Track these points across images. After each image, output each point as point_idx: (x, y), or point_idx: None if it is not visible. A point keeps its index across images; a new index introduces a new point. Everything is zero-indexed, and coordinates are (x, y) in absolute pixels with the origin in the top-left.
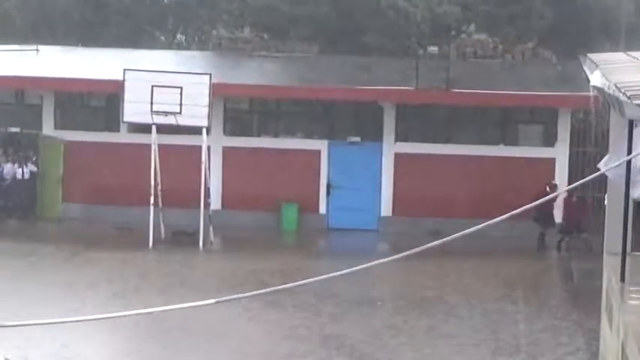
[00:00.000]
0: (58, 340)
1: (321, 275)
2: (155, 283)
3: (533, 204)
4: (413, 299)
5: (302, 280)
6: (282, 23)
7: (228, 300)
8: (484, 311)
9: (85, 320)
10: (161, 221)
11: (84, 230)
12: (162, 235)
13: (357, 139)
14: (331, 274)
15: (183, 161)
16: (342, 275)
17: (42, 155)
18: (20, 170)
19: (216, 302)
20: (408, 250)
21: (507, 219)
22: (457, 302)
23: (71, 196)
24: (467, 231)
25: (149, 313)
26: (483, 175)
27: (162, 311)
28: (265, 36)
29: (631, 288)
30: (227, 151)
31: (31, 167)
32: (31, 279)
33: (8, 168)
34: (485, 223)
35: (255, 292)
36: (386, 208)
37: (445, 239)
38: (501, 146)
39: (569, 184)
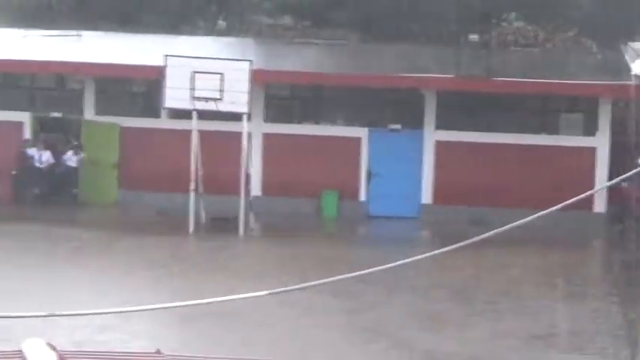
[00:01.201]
0: (101, 325)
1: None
2: (195, 268)
3: (586, 194)
4: (453, 287)
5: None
6: (322, 10)
7: (281, 292)
8: (524, 300)
9: (130, 311)
10: (201, 207)
11: (124, 216)
12: (203, 221)
13: (398, 126)
14: (392, 264)
15: (224, 147)
16: (376, 264)
17: (92, 140)
18: (75, 158)
19: (269, 294)
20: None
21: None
22: (497, 291)
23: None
24: (518, 223)
25: (197, 305)
26: (524, 164)
27: (201, 298)
28: (305, 23)
29: None
30: (267, 138)
31: (80, 155)
32: (73, 264)
33: (47, 155)
34: (538, 214)
35: (307, 284)
36: (426, 196)
37: (497, 230)
38: (542, 135)
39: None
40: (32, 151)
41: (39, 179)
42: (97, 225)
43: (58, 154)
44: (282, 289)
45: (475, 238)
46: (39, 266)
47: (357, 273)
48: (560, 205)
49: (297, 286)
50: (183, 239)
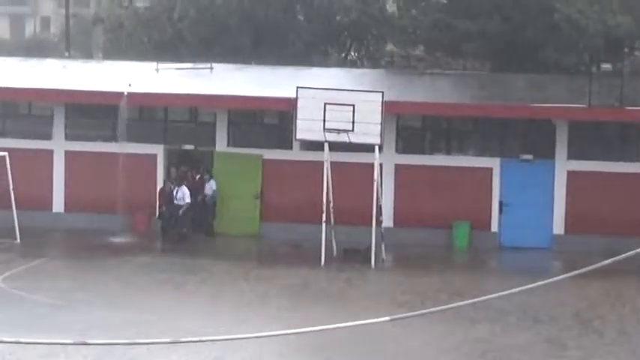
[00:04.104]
0: (222, 354)
1: (493, 293)
2: (325, 299)
3: None
4: (582, 317)
5: (473, 297)
6: (454, 40)
7: (403, 318)
8: None
9: (247, 338)
10: (333, 238)
11: (255, 247)
12: (334, 253)
13: (530, 156)
14: (507, 291)
15: (355, 179)
16: (510, 293)
17: (228, 172)
18: (207, 186)
19: (391, 320)
20: (581, 268)
21: None
22: (628, 322)
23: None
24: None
25: (321, 330)
26: None
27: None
28: (437, 53)
29: None
30: (399, 169)
31: (212, 184)
32: (200, 295)
33: (182, 192)
34: None
35: (428, 310)
36: (558, 227)
37: (617, 257)
38: None
39: None
40: (172, 188)
41: (180, 217)
42: (231, 257)
43: (193, 186)
44: (403, 315)
45: (595, 265)
46: (170, 297)
47: (471, 301)
48: None
49: (418, 312)
50: (314, 270)
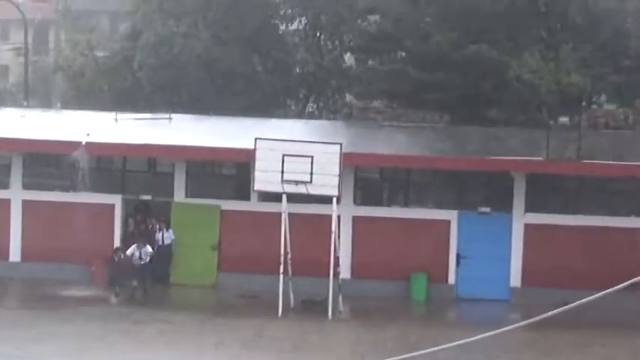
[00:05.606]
0: None
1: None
2: (279, 350)
3: None
4: None
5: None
6: (412, 91)
7: None
8: None
9: None
10: (290, 289)
11: (212, 298)
12: (292, 304)
13: (487, 209)
14: (458, 342)
15: (313, 230)
16: (468, 345)
17: (186, 222)
18: (161, 235)
19: None
20: (537, 320)
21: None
22: None
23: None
24: (589, 298)
25: None
26: (614, 247)
27: None
28: (395, 105)
29: None
30: (357, 221)
31: (170, 234)
32: (157, 345)
33: (146, 251)
34: (608, 290)
35: None
36: (515, 279)
37: (566, 307)
38: (633, 218)
39: None
40: (132, 250)
41: (139, 273)
42: (188, 307)
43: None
44: None
45: (542, 315)
46: (129, 348)
47: (421, 352)
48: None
49: None
50: (271, 321)
